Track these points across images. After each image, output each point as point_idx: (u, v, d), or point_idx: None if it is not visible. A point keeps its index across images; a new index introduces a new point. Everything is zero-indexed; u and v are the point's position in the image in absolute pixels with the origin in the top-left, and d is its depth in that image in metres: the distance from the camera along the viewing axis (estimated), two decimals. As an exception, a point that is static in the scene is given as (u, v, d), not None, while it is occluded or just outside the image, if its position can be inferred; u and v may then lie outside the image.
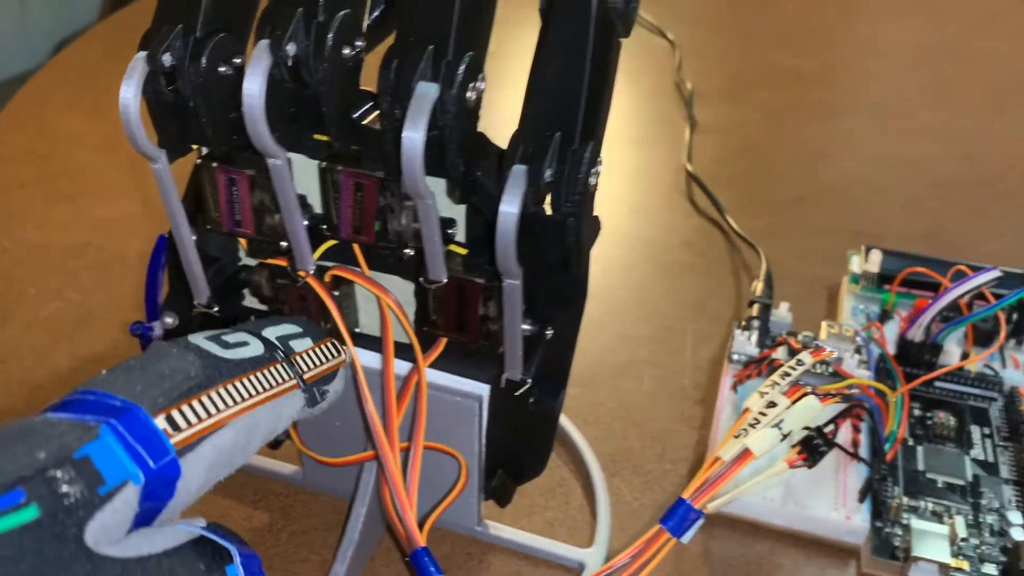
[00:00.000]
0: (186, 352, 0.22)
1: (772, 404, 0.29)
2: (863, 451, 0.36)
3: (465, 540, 0.35)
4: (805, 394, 0.29)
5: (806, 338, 0.41)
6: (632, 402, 0.41)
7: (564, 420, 0.39)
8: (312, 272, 0.29)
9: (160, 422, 0.20)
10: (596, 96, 0.24)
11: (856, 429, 0.35)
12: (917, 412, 0.39)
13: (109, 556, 0.18)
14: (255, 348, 0.24)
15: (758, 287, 0.44)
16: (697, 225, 0.54)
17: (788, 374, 0.30)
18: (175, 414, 0.20)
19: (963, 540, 0.33)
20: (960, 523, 0.34)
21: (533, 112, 0.24)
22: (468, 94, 0.24)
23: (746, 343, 0.41)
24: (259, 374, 0.24)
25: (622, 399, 0.41)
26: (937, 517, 0.35)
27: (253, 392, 0.23)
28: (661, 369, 0.43)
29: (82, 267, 0.49)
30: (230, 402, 0.22)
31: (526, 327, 0.28)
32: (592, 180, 0.24)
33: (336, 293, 0.30)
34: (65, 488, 0.17)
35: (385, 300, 0.29)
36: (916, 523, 0.33)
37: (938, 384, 0.40)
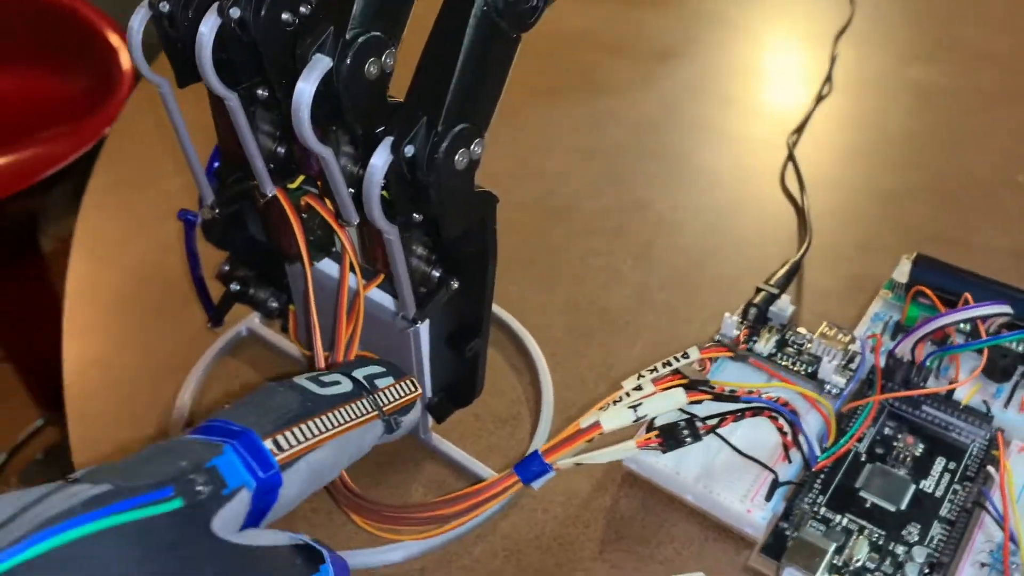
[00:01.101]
0: (290, 391, 0.29)
1: (639, 388, 0.31)
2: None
3: (413, 447, 0.40)
4: (675, 385, 0.31)
5: (797, 335, 0.41)
6: (615, 360, 0.43)
7: (541, 363, 0.43)
8: (278, 191, 0.34)
9: (268, 444, 0.26)
10: (471, 86, 0.27)
11: (782, 432, 0.36)
12: (888, 431, 0.38)
13: (228, 541, 0.24)
14: (345, 386, 0.30)
15: (776, 274, 0.44)
16: (778, 202, 0.53)
17: (669, 363, 0.31)
18: (279, 438, 0.27)
19: (856, 562, 0.34)
20: (863, 544, 0.34)
21: (412, 93, 0.27)
22: (369, 68, 0.28)
23: (732, 327, 0.41)
24: (347, 407, 0.29)
25: (607, 355, 0.44)
26: (847, 534, 0.35)
27: (341, 421, 0.29)
28: (659, 335, 0.45)
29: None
30: (322, 429, 0.28)
31: (436, 273, 0.32)
32: (461, 159, 0.27)
33: (305, 216, 0.35)
34: (199, 488, 0.24)
35: (338, 232, 0.34)
36: (806, 534, 0.34)
37: (926, 408, 0.39)
